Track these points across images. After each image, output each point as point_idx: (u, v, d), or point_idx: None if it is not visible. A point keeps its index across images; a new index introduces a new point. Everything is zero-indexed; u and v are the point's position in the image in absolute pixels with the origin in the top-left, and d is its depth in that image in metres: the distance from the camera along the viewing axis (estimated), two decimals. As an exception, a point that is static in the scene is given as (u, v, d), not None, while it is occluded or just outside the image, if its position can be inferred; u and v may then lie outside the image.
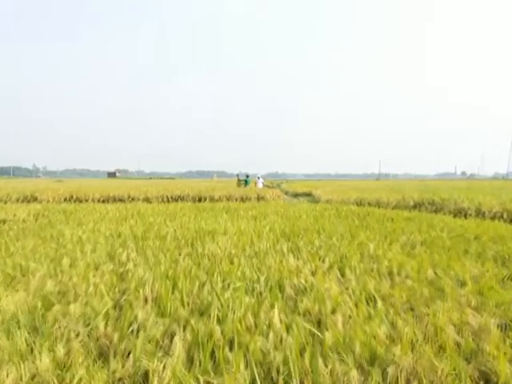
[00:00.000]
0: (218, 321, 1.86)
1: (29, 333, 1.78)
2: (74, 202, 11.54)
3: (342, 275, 2.80)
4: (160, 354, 1.55)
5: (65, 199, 11.78)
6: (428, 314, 1.96)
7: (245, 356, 1.52)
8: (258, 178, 21.08)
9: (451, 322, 1.84)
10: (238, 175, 21.39)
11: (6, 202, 10.86)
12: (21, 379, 1.42)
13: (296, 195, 17.75)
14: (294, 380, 1.40)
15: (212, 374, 1.45)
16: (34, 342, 1.68)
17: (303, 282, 2.53)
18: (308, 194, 17.18)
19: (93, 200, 11.86)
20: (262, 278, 2.51)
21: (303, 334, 1.69)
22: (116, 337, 1.71)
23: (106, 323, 1.85)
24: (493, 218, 6.70)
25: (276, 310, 1.88)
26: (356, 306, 2.10)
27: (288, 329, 1.77)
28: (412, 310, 2.09)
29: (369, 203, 10.13)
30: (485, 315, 1.89)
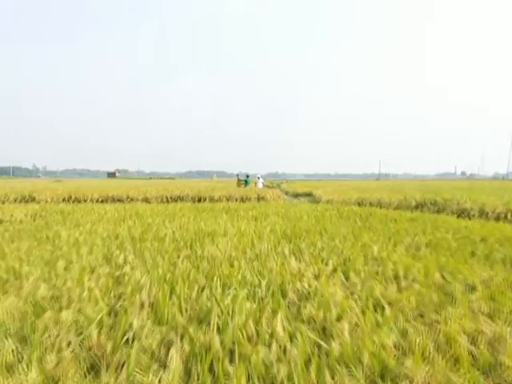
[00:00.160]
0: (218, 329, 1.76)
1: (18, 342, 1.69)
2: (73, 202, 11.43)
3: (347, 279, 2.70)
4: (155, 367, 1.45)
5: (63, 199, 11.68)
6: (438, 322, 1.86)
7: (246, 369, 1.42)
8: (258, 178, 20.97)
9: (464, 331, 1.75)
10: (237, 175, 21.29)
11: (3, 203, 10.76)
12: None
13: (296, 195, 17.64)
14: (300, 396, 1.30)
15: (211, 388, 1.35)
16: (23, 353, 1.58)
17: (306, 286, 2.44)
18: (308, 194, 17.07)
19: (91, 200, 11.75)
20: (264, 283, 2.41)
21: (308, 343, 1.59)
22: (109, 347, 1.61)
23: (100, 331, 1.75)
24: (497, 219, 6.60)
25: (279, 318, 1.79)
26: (363, 312, 2.00)
27: (292, 338, 1.67)
28: (421, 316, 1.99)
29: (370, 203, 10.02)
30: (499, 323, 1.79)
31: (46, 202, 11.29)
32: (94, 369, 1.52)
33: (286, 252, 3.54)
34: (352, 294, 2.36)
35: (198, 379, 1.39)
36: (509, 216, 6.80)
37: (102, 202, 11.74)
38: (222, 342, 1.62)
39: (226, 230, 4.79)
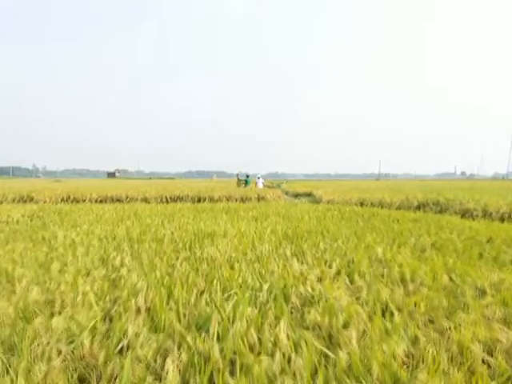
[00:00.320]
0: (218, 337, 1.66)
1: (5, 351, 1.59)
2: (71, 202, 11.33)
3: (351, 282, 2.61)
4: (150, 379, 1.35)
5: (62, 199, 11.58)
6: (450, 329, 1.77)
7: (248, 381, 1.32)
8: (259, 178, 20.86)
9: (477, 338, 1.65)
10: (237, 175, 21.18)
11: (1, 203, 10.66)
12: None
13: (296, 195, 17.54)
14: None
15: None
16: (10, 363, 1.49)
17: (310, 290, 2.34)
18: (308, 194, 16.97)
19: (90, 200, 11.65)
20: (266, 286, 2.31)
21: (314, 353, 1.50)
22: (102, 356, 1.52)
23: (93, 339, 1.66)
24: (501, 219, 6.51)
25: (282, 325, 1.69)
26: (370, 318, 1.91)
27: (296, 347, 1.57)
28: (432, 322, 1.90)
29: (371, 204, 9.93)
30: (515, 330, 1.69)
31: (45, 202, 11.19)
32: (84, 381, 1.43)
33: (288, 253, 3.45)
34: (358, 298, 2.26)
35: (197, 393, 1.30)
36: (513, 216, 6.70)
37: (100, 202, 11.64)
38: (222, 351, 1.53)
39: (225, 231, 4.69)
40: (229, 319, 1.81)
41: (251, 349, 1.57)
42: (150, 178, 76.77)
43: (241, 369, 1.41)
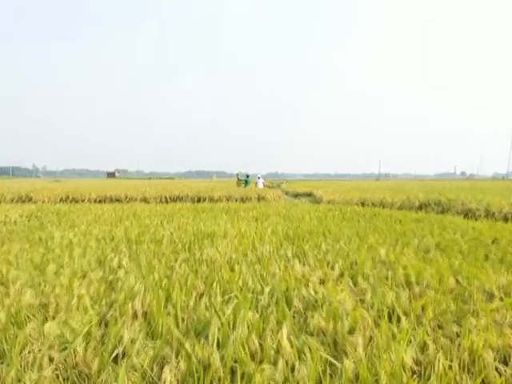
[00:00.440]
0: (218, 344, 1.59)
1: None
2: (70, 202, 11.25)
3: (355, 284, 2.53)
4: (146, 390, 1.28)
5: (61, 199, 11.50)
6: (460, 335, 1.69)
7: (249, 392, 1.25)
8: (259, 177, 20.77)
9: (489, 345, 1.58)
10: (237, 175, 21.08)
11: (0, 203, 10.58)
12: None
13: (297, 195, 17.46)
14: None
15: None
16: (-1, 371, 1.41)
17: (312, 293, 2.27)
18: (309, 194, 16.90)
19: (89, 200, 11.57)
20: (267, 289, 2.23)
21: (318, 360, 1.42)
22: (96, 364, 1.44)
23: (87, 346, 1.58)
24: (505, 219, 6.43)
25: (284, 330, 1.61)
26: (376, 322, 1.84)
27: (300, 354, 1.50)
28: (440, 328, 1.83)
29: (372, 204, 9.86)
30: (529, 337, 1.62)
31: (43, 202, 11.12)
32: (77, 391, 1.35)
33: (289, 255, 3.38)
34: (362, 301, 2.19)
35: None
36: (516, 216, 6.63)
37: (99, 202, 11.56)
38: (222, 359, 1.45)
39: (225, 232, 4.62)
40: (229, 324, 1.74)
41: (252, 356, 1.50)
42: (150, 178, 76.65)
43: (242, 378, 1.34)
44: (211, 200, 11.91)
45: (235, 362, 1.43)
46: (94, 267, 2.97)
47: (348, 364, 1.38)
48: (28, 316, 1.91)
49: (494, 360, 1.47)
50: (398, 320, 1.84)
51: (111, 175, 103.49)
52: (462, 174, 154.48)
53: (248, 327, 1.70)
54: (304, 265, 3.05)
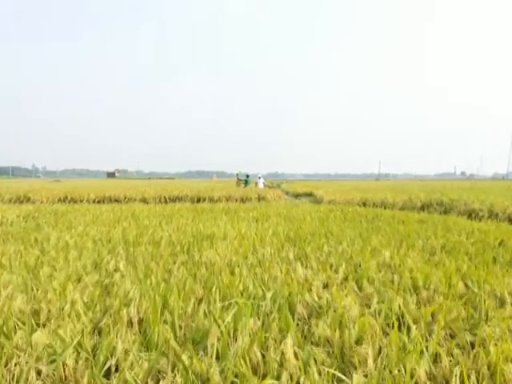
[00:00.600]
0: (217, 355, 1.49)
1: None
2: (69, 202, 11.15)
3: (360, 288, 2.44)
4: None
5: (59, 200, 11.39)
6: (473, 345, 1.59)
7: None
8: (259, 177, 20.67)
9: (507, 357, 1.48)
10: (237, 174, 20.98)
11: (-3, 203, 10.47)
12: None
13: (297, 195, 17.36)
14: None
15: None
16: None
17: (316, 298, 2.17)
18: (309, 195, 16.80)
19: (88, 201, 11.46)
20: (269, 295, 2.13)
21: (325, 374, 1.32)
22: (86, 378, 1.34)
23: (77, 357, 1.49)
24: (509, 220, 6.34)
25: (288, 340, 1.51)
26: (384, 331, 1.74)
27: (305, 367, 1.40)
28: (452, 337, 1.73)
29: (374, 204, 9.76)
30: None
31: (42, 202, 11.01)
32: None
33: (291, 257, 3.28)
34: (368, 306, 2.09)
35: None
36: (520, 217, 6.53)
37: (98, 202, 11.45)
38: (221, 373, 1.35)
39: (225, 233, 4.52)
40: (229, 333, 1.64)
41: (254, 370, 1.40)
42: (150, 178, 76.51)
43: (243, 395, 1.24)
44: (211, 200, 11.81)
45: (236, 376, 1.33)
46: (90, 270, 2.87)
47: (357, 379, 1.28)
48: (17, 324, 1.81)
49: (513, 373, 1.38)
50: (408, 329, 1.74)
51: (111, 175, 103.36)
52: (462, 174, 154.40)
53: (249, 336, 1.60)
54: (306, 268, 2.95)
